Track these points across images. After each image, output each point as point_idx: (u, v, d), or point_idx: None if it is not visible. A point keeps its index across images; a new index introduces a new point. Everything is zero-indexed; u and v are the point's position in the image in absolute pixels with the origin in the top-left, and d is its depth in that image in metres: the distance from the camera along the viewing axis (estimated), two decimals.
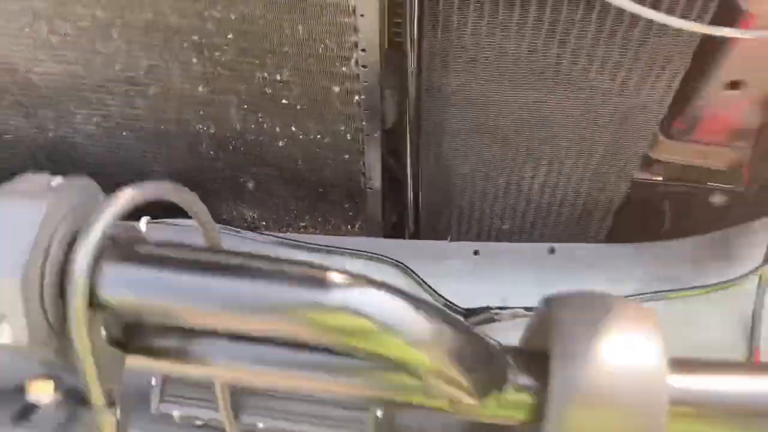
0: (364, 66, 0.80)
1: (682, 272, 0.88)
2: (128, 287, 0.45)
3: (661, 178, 0.95)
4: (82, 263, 0.43)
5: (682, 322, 0.86)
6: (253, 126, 0.93)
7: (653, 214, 1.00)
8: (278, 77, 0.84)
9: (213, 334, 0.55)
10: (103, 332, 0.52)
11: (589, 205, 0.95)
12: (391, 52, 0.82)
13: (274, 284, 0.47)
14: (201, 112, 0.92)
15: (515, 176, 0.93)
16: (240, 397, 0.74)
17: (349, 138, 0.92)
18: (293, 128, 0.92)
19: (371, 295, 0.49)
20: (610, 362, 0.49)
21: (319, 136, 0.93)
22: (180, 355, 0.55)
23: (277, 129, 0.93)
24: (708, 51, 0.73)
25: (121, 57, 0.85)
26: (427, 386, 0.52)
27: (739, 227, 0.91)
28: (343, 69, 0.82)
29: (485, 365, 0.52)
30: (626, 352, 0.49)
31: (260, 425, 0.74)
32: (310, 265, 0.50)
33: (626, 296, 0.86)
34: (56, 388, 0.47)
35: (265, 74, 0.84)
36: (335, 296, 0.48)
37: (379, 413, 0.72)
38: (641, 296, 0.86)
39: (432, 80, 0.84)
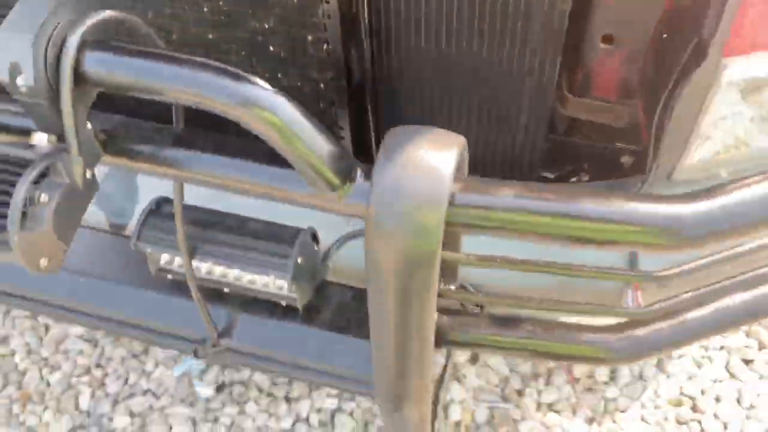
0: (328, 17, 1.05)
1: None
2: (104, 65, 0.68)
3: (576, 137, 1.14)
4: (72, 40, 0.66)
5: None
6: (249, 72, 1.17)
7: (576, 171, 1.18)
8: (266, 25, 1.09)
9: (177, 143, 0.78)
10: (89, 125, 0.75)
11: (514, 156, 1.14)
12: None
13: (218, 76, 0.69)
14: (210, 58, 1.17)
15: (453, 125, 1.14)
16: (194, 245, 0.94)
17: (322, 87, 1.16)
18: (279, 75, 1.16)
19: (287, 106, 0.71)
20: (409, 167, 0.69)
21: (299, 83, 1.17)
22: (148, 160, 0.78)
23: (267, 75, 1.17)
24: (582, 4, 0.93)
25: (152, 4, 1.12)
26: (307, 177, 0.72)
27: (635, 177, 1.08)
28: (313, 19, 1.06)
29: (341, 164, 0.73)
30: (423, 161, 0.69)
31: (207, 265, 0.94)
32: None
33: None
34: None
35: (256, 23, 1.10)
36: (260, 95, 0.70)
37: (299, 260, 0.92)
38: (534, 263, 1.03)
39: (381, 34, 1.07)
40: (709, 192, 0.67)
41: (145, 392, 2.01)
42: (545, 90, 1.04)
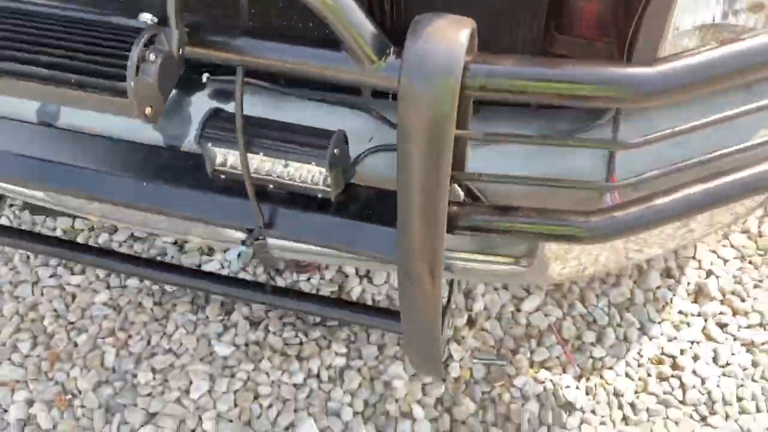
0: None
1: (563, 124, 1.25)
2: None
3: None
4: None
5: (558, 153, 1.21)
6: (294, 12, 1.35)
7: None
8: None
9: (245, 35, 0.97)
10: None
11: None
12: None
13: None
14: None
15: None
16: (248, 139, 1.13)
17: None
18: None
19: None
20: (430, 42, 0.88)
21: None
22: (221, 48, 0.97)
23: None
24: None
25: None
26: (352, 52, 0.92)
27: None
28: None
29: (379, 43, 0.93)
30: (442, 37, 0.88)
31: (257, 158, 1.13)
32: None
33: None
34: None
35: None
36: None
37: (335, 151, 1.11)
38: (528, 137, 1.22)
39: None
40: (666, 58, 0.87)
41: (166, 351, 2.16)
42: (536, 31, 1.25)
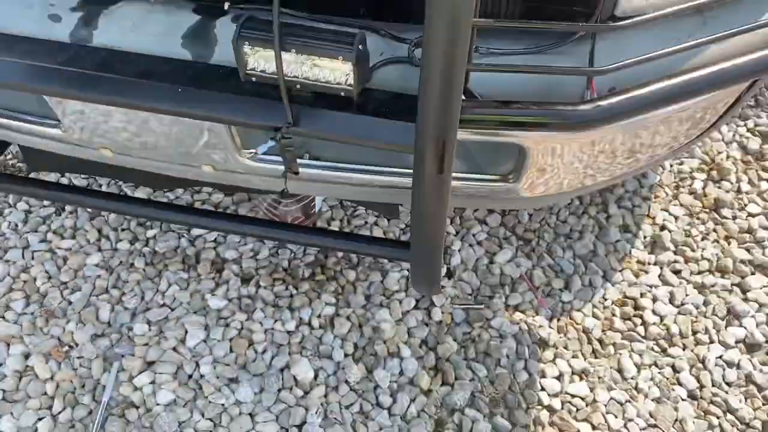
0: None
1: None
2: None
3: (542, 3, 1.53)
4: None
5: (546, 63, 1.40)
6: None
7: None
8: None
9: None
10: None
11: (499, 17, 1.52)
12: None
13: None
14: None
15: None
16: (281, 39, 1.27)
17: None
18: None
19: None
20: None
21: None
22: None
23: None
24: None
25: None
26: None
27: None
28: None
29: None
30: None
31: (291, 53, 1.27)
32: None
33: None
34: None
35: None
36: None
37: (360, 47, 1.27)
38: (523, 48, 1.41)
39: None
40: None
41: (161, 306, 2.24)
42: None
